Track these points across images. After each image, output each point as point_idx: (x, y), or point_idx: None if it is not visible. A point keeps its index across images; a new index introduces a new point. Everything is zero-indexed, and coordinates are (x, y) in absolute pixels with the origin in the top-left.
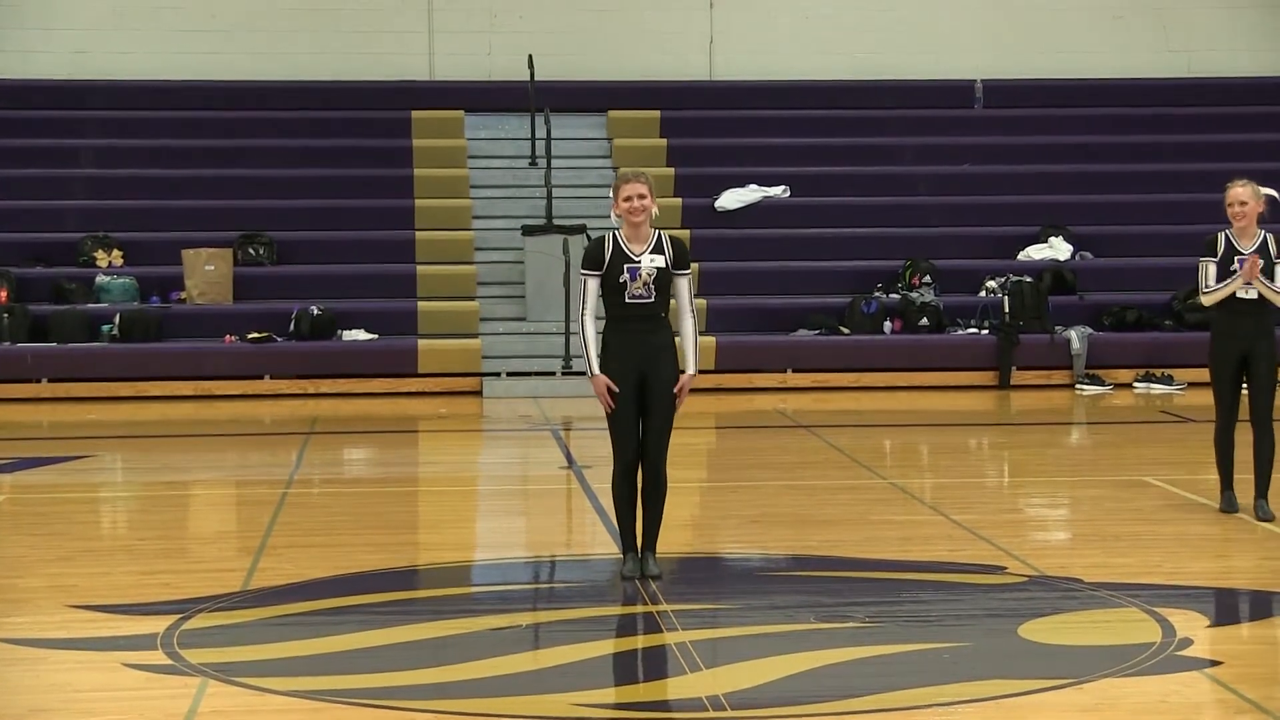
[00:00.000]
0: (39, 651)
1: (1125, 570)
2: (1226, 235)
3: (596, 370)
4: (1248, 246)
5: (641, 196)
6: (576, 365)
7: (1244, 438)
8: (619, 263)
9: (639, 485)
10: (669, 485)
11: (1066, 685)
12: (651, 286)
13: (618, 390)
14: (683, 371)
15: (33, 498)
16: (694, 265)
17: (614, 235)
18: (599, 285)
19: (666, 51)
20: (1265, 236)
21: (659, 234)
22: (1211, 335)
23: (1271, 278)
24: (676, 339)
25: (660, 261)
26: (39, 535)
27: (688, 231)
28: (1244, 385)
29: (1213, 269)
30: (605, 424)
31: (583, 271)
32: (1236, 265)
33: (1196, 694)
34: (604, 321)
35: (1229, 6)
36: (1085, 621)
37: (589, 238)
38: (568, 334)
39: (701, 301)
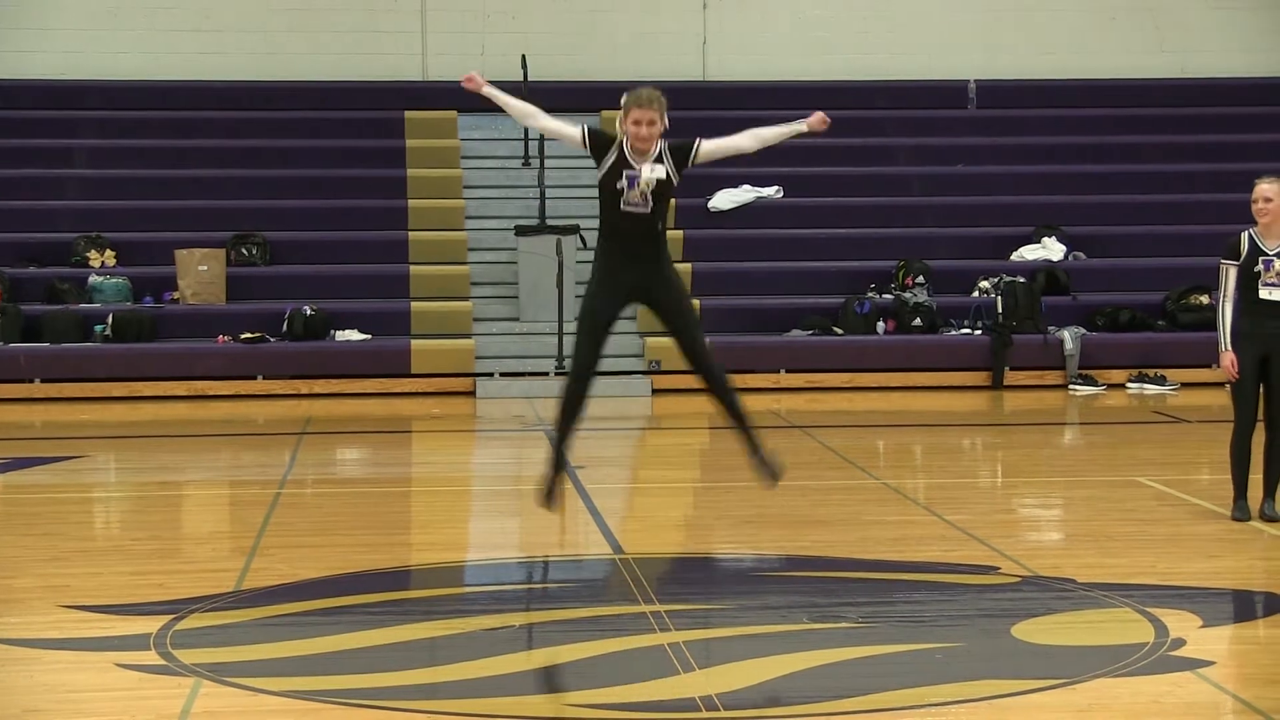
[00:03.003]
0: (32, 652)
1: (1118, 570)
2: (1250, 235)
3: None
4: (1273, 246)
5: (651, 123)
6: (570, 365)
7: (1256, 437)
8: (619, 168)
9: (588, 394)
10: (731, 378)
11: (1060, 685)
12: (649, 197)
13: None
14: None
15: (25, 498)
16: (688, 264)
17: (623, 140)
18: (580, 136)
19: (660, 52)
20: None
21: (661, 146)
22: (1233, 336)
23: None
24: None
25: (661, 172)
26: (32, 536)
27: (681, 232)
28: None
29: (1233, 273)
30: (599, 425)
31: (585, 123)
32: (1261, 266)
33: (1189, 694)
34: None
35: (1222, 7)
36: (1078, 622)
37: (582, 239)
38: (561, 334)
39: (695, 302)
